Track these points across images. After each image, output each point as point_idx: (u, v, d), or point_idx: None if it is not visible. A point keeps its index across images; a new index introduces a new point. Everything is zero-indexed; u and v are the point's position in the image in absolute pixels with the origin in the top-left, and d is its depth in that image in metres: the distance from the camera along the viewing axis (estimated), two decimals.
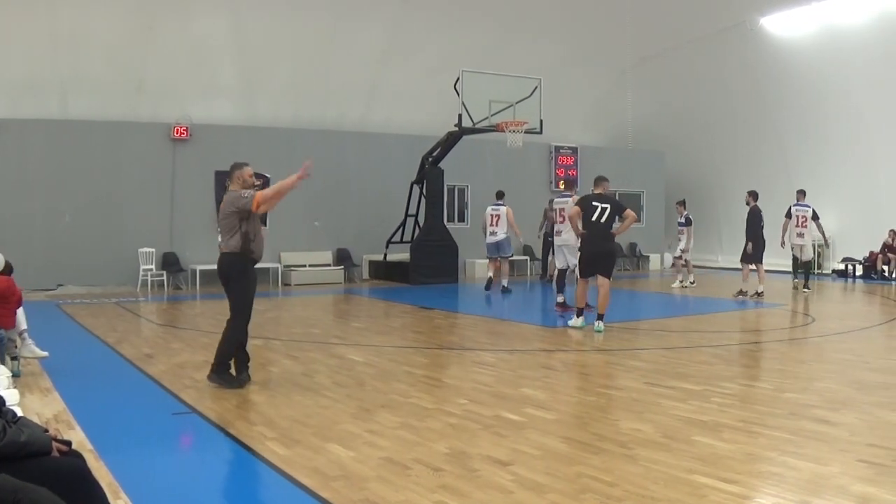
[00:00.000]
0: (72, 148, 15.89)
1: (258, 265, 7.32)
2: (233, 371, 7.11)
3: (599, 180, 10.86)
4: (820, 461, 4.71)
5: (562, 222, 12.34)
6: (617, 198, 12.04)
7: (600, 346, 9.55)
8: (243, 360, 7.17)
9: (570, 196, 12.56)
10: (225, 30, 17.36)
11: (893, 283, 17.71)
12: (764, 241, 14.71)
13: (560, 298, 12.50)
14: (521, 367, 8.17)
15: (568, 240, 12.09)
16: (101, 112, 16.62)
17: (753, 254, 14.56)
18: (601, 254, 10.43)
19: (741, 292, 14.55)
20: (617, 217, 10.51)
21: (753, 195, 14.82)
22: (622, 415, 5.98)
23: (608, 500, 4.11)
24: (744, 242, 14.69)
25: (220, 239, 7.21)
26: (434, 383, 7.38)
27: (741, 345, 8.58)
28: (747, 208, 14.90)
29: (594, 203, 10.41)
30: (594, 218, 10.33)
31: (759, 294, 14.19)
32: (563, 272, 12.60)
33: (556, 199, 13.13)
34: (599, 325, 10.26)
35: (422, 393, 6.81)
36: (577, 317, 10.71)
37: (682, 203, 17.01)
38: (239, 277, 7.02)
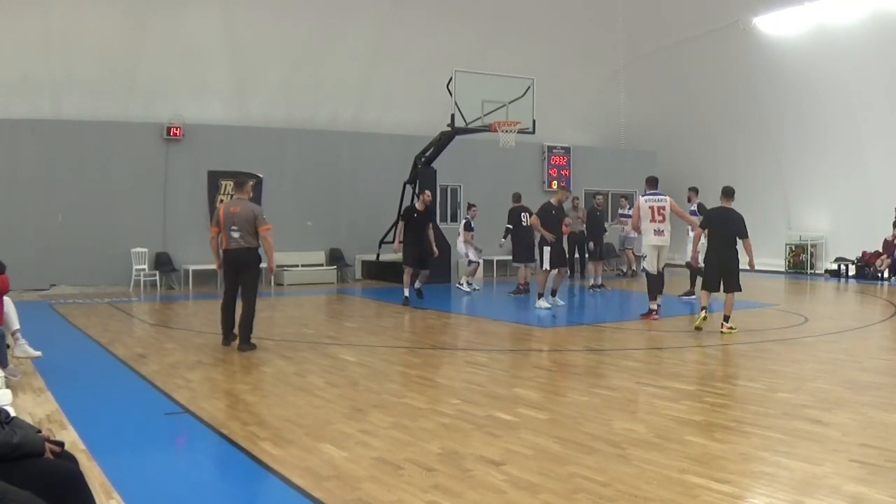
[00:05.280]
0: (64, 148, 15.81)
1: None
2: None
3: (561, 189, 13.80)
4: (812, 461, 4.72)
5: (661, 221, 11.49)
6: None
7: (593, 345, 9.56)
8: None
9: (663, 195, 11.77)
10: (217, 30, 17.31)
11: (886, 283, 17.74)
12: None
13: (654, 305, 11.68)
14: (513, 366, 8.18)
15: (667, 240, 11.65)
16: (93, 112, 16.56)
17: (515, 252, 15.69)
18: (560, 250, 13.00)
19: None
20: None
21: (515, 197, 15.67)
22: (615, 415, 5.99)
23: (601, 500, 4.11)
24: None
25: (235, 235, 8.80)
26: (427, 383, 7.38)
27: (733, 345, 8.60)
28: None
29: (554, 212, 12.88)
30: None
31: (521, 287, 15.31)
32: (656, 274, 11.74)
33: (646, 198, 11.78)
34: (542, 302, 12.72)
35: (414, 393, 6.81)
36: (540, 298, 12.78)
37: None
38: (258, 265, 9.16)
